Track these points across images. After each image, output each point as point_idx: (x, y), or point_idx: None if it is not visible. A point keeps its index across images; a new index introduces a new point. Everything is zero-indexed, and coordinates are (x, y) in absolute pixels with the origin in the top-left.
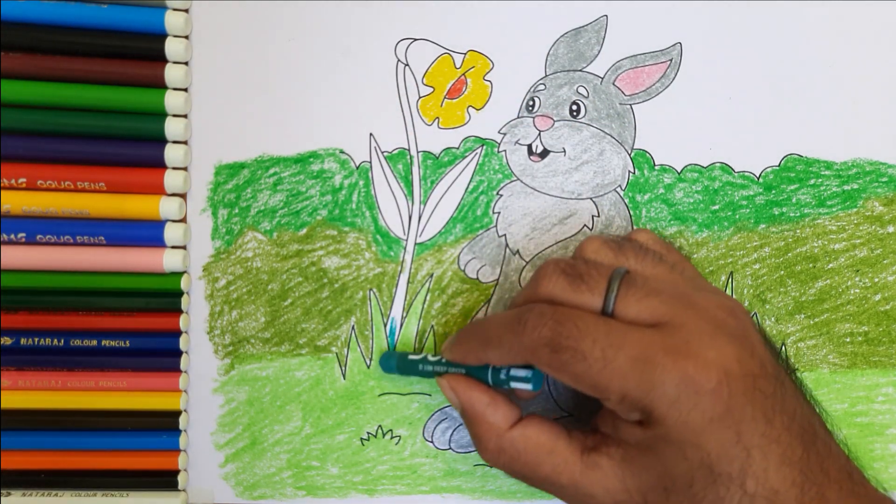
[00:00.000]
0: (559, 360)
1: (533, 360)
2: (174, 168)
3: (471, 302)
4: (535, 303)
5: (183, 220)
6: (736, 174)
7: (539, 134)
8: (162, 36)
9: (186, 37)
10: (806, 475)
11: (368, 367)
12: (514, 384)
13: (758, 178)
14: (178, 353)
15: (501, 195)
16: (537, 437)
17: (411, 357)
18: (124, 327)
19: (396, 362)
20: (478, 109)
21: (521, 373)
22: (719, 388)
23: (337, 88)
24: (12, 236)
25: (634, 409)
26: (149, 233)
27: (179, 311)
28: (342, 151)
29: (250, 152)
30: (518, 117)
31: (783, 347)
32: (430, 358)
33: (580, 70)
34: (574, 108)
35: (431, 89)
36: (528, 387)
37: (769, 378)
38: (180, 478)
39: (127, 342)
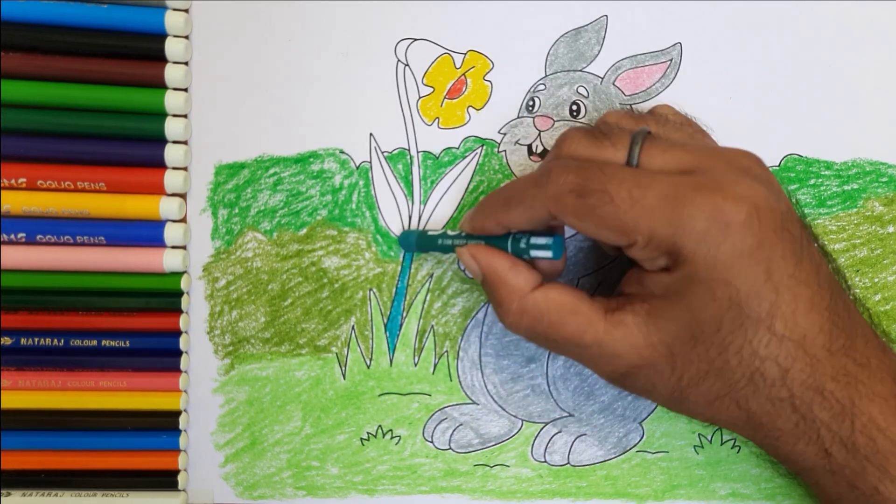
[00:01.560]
0: (585, 204)
1: (557, 209)
2: (174, 168)
3: (471, 302)
4: None
5: (183, 220)
6: None
7: (539, 134)
8: (162, 36)
9: (186, 37)
10: (834, 322)
11: (368, 367)
12: (534, 252)
13: None
14: (178, 353)
15: None
16: (560, 298)
17: (430, 233)
18: (124, 327)
19: (416, 239)
20: (478, 109)
21: (542, 240)
22: (750, 221)
23: (337, 88)
24: (12, 236)
25: (661, 252)
26: (149, 233)
27: (179, 311)
28: (342, 151)
29: (250, 152)
30: (518, 117)
31: None
32: (450, 232)
33: (580, 70)
34: (574, 108)
35: (431, 89)
36: (549, 254)
37: (796, 222)
38: (180, 478)
39: (127, 342)
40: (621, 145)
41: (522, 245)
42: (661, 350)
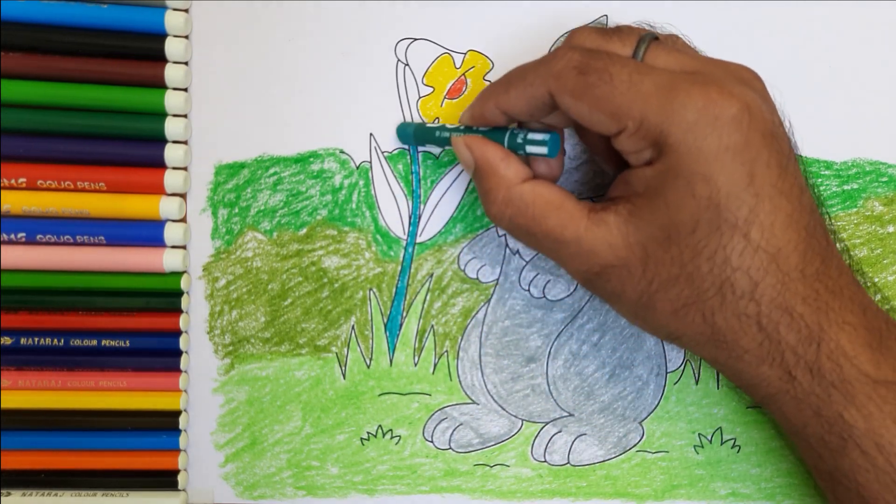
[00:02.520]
0: (585, 82)
1: (557, 86)
2: (174, 168)
3: (471, 302)
4: None
5: (183, 220)
6: None
7: None
8: (162, 36)
9: (186, 37)
10: (810, 244)
11: (368, 367)
12: (530, 148)
13: None
14: (178, 353)
15: None
16: (547, 194)
17: (429, 125)
18: (124, 327)
19: (413, 131)
20: None
21: (538, 136)
22: (740, 117)
23: (337, 88)
24: (12, 236)
25: (649, 142)
26: (149, 233)
27: (179, 311)
28: (342, 151)
29: (250, 152)
30: None
31: None
32: (448, 125)
33: None
34: None
35: (431, 89)
36: (544, 151)
37: (785, 138)
38: (180, 478)
39: (127, 342)
40: (629, 42)
41: (519, 140)
42: (637, 251)
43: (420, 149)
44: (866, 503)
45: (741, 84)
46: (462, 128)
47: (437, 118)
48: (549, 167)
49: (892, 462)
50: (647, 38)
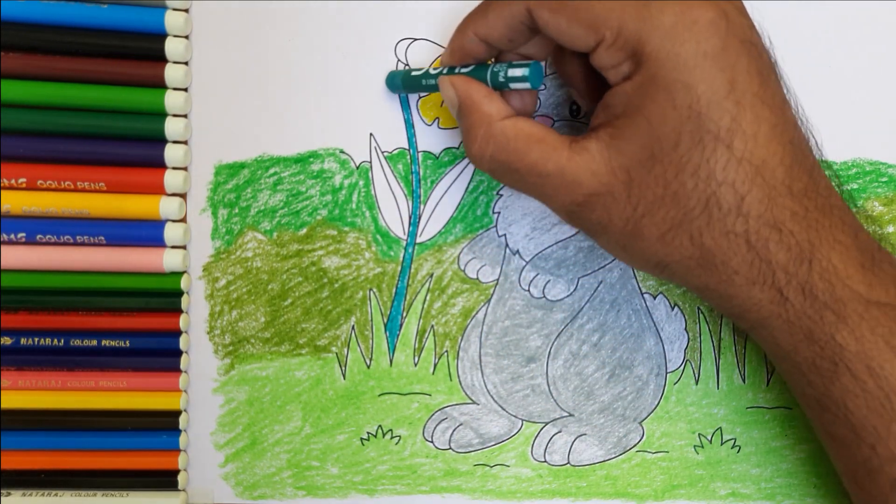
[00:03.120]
0: None
1: (535, 4)
2: (174, 168)
3: (471, 302)
4: None
5: (183, 220)
6: None
7: None
8: (162, 36)
9: (186, 37)
10: (796, 159)
11: (368, 367)
12: (513, 85)
13: None
14: (178, 353)
15: (501, 195)
16: (528, 128)
17: (414, 73)
18: (124, 327)
19: (401, 80)
20: None
21: (519, 71)
22: (717, 22)
23: (337, 88)
24: (12, 236)
25: (627, 53)
26: (149, 233)
27: (179, 311)
28: (342, 151)
29: (250, 152)
30: None
31: None
32: (432, 71)
33: None
34: (574, 107)
35: None
36: (527, 85)
37: (766, 51)
38: (180, 478)
39: (127, 342)
40: None
41: (501, 78)
42: (620, 175)
43: (420, 150)
44: (853, 429)
45: None
46: (445, 71)
47: (438, 118)
48: (523, 103)
49: (881, 386)
50: None
